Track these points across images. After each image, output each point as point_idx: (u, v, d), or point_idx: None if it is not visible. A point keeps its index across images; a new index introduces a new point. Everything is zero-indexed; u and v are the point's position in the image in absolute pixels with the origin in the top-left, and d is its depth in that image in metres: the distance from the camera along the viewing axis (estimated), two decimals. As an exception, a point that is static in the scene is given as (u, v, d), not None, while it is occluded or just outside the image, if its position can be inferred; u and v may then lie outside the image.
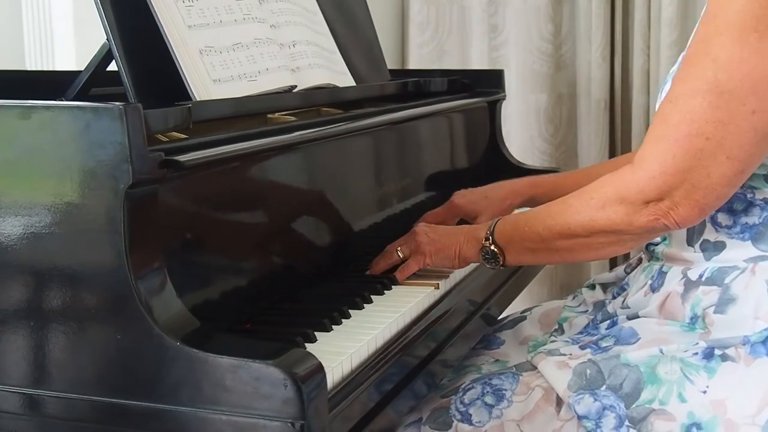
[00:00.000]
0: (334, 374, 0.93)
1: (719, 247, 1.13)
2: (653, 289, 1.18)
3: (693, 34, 1.12)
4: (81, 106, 0.85)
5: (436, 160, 1.73)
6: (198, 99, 1.16)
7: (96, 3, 1.10)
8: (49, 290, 0.89)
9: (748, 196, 1.11)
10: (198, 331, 0.88)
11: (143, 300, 0.86)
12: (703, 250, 1.15)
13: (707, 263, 1.14)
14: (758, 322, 1.07)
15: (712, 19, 1.03)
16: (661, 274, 1.18)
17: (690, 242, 1.16)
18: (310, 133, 1.21)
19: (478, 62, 2.53)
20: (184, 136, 1.08)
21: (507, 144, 2.29)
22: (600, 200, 1.09)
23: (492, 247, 1.19)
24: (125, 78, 1.10)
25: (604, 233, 1.10)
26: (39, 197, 0.88)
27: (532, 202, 1.48)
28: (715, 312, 1.09)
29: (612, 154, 2.48)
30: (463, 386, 1.20)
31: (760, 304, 1.07)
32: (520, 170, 1.96)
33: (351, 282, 1.24)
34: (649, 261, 1.24)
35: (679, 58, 1.18)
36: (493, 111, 1.95)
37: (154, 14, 1.15)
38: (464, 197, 1.47)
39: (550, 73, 2.50)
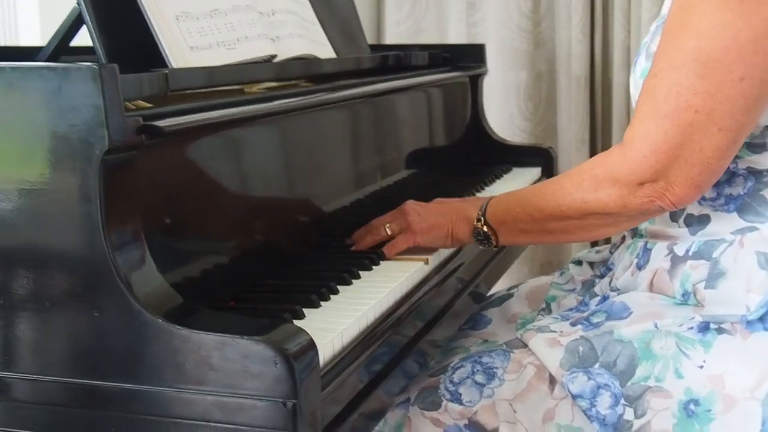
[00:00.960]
0: (324, 352, 0.89)
1: (704, 220, 1.10)
2: (639, 267, 1.14)
3: (669, 4, 1.08)
4: (52, 67, 0.79)
5: (418, 135, 1.68)
6: (175, 67, 1.10)
7: (66, -35, 1.05)
8: (20, 266, 0.83)
9: (731, 166, 1.07)
10: (181, 307, 0.83)
11: (122, 274, 0.81)
12: (687, 225, 1.11)
13: (693, 238, 1.11)
14: (751, 296, 1.04)
15: None
16: (646, 251, 1.14)
17: (674, 217, 1.13)
18: (293, 102, 1.16)
19: (455, 39, 2.49)
20: (150, 105, 1.03)
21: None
22: (592, 182, 1.06)
23: (484, 229, 1.16)
24: (96, 42, 1.04)
25: (597, 215, 1.07)
26: (6, 165, 0.83)
27: None
28: (705, 287, 1.06)
29: (592, 131, 2.45)
30: (452, 365, 1.16)
31: (752, 277, 1.05)
32: (502, 147, 1.93)
33: (337, 258, 1.19)
34: (632, 238, 1.21)
35: (651, 28, 1.15)
36: (474, 86, 1.91)
37: (127, -23, 1.10)
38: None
39: (529, 50, 2.46)
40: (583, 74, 2.38)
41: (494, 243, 1.17)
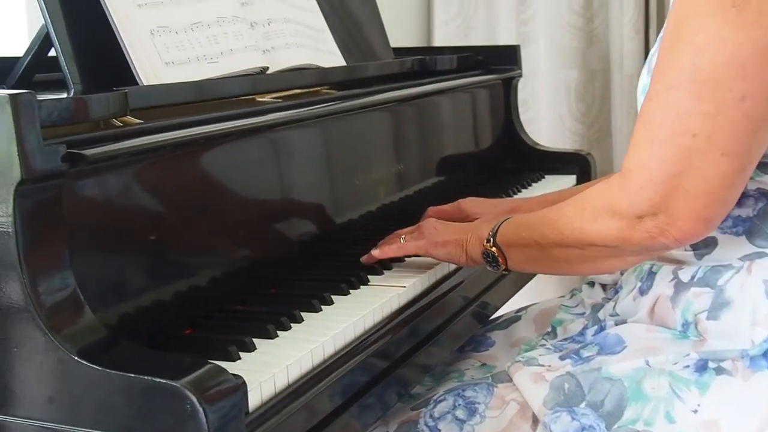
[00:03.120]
0: (263, 390, 0.84)
1: (711, 243, 1.00)
2: (642, 292, 1.05)
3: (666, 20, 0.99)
4: (-35, 96, 0.77)
5: (439, 144, 1.61)
6: (146, 84, 1.07)
7: (31, -19, 1.02)
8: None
9: None
10: (102, 342, 0.80)
11: (40, 308, 0.77)
12: (693, 248, 1.01)
13: (699, 262, 1.01)
14: (756, 329, 0.94)
15: (684, 1, 0.89)
16: (651, 274, 1.05)
17: None
18: (263, 120, 1.10)
19: (505, 37, 2.40)
20: (139, 121, 1.00)
21: (535, 124, 2.18)
22: (592, 211, 0.97)
23: (493, 250, 1.08)
24: (63, 62, 1.02)
25: (598, 247, 0.98)
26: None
27: None
28: (708, 318, 0.97)
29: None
30: (435, 398, 1.10)
31: (758, 308, 0.94)
32: (537, 152, 1.84)
33: (317, 280, 1.13)
34: None
35: (658, 38, 1.05)
36: (507, 89, 1.83)
37: (97, -7, 1.07)
38: (473, 202, 1.35)
39: (581, 47, 2.34)
40: (636, 73, 2.26)
41: (503, 266, 1.09)
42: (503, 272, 1.11)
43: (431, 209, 1.35)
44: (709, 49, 0.86)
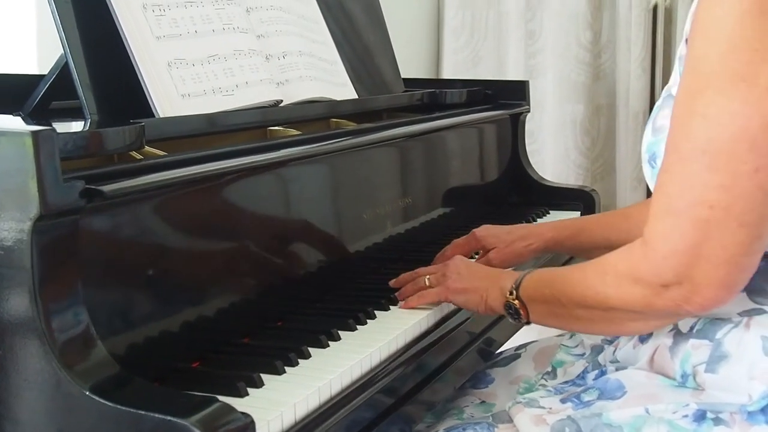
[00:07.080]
0: (270, 428, 0.85)
1: None
2: (642, 340, 1.06)
3: (676, 77, 1.00)
4: (-13, 131, 0.78)
5: (445, 177, 1.63)
6: (162, 115, 1.09)
7: (53, 11, 1.04)
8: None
9: None
10: (113, 378, 0.81)
11: (54, 343, 0.78)
12: None
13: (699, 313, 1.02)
14: (754, 384, 0.95)
15: (694, 73, 0.91)
16: (652, 323, 1.06)
17: None
18: (277, 156, 1.12)
19: (514, 69, 2.42)
20: (162, 152, 1.02)
21: (540, 156, 2.19)
22: (615, 278, 0.98)
23: (515, 303, 1.10)
24: (80, 92, 1.04)
25: (622, 311, 0.99)
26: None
27: (558, 245, 1.38)
28: (706, 371, 0.98)
29: (649, 170, 2.35)
30: (435, 435, 1.11)
31: (755, 363, 0.95)
32: (542, 188, 1.86)
33: (324, 315, 1.15)
34: None
35: (659, 101, 1.06)
36: (515, 124, 1.85)
37: (117, 24, 1.08)
38: (486, 230, 1.37)
39: (587, 82, 2.36)
40: (641, 109, 2.28)
41: (524, 319, 1.10)
42: (524, 323, 1.12)
43: (454, 244, 1.37)
44: (721, 123, 0.88)
